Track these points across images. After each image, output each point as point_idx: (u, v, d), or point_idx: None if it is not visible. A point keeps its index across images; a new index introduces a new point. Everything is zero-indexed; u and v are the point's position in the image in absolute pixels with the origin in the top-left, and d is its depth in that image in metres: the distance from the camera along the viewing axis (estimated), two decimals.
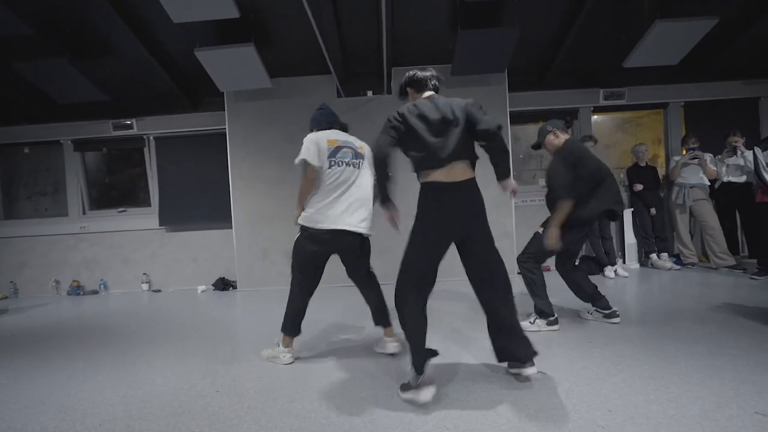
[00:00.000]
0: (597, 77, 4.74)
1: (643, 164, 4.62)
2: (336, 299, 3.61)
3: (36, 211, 5.12)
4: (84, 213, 5.01)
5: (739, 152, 4.07)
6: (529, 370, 1.82)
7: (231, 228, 4.58)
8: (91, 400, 1.88)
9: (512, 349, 1.84)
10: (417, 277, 1.78)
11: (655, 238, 4.55)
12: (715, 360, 1.94)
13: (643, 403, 1.58)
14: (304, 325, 2.28)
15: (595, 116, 5.02)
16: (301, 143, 2.14)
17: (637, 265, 4.59)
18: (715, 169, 4.30)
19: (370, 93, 4.50)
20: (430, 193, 1.77)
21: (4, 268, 4.94)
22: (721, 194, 4.37)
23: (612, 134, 5.11)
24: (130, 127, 4.78)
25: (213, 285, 4.73)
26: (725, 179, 4.25)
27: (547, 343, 2.30)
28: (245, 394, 1.87)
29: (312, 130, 2.29)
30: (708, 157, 4.34)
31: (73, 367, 2.33)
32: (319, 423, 1.57)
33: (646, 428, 1.40)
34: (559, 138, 2.63)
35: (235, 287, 4.65)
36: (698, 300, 3.05)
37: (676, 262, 4.43)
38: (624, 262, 4.62)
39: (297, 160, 2.13)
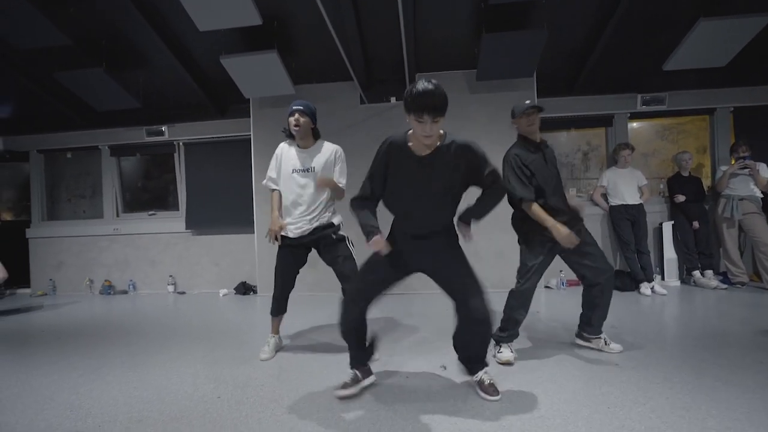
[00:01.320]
0: (634, 81, 4.47)
1: (686, 174, 4.28)
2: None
3: (75, 213, 5.41)
4: (117, 215, 5.24)
5: None
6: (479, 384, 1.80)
7: (253, 233, 4.63)
8: (97, 399, 1.90)
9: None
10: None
11: (699, 254, 4.18)
12: (764, 392, 1.71)
13: None
14: (318, 336, 2.24)
15: (633, 123, 4.72)
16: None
17: (678, 283, 4.24)
18: None
19: (393, 99, 4.45)
20: None
21: (44, 266, 5.23)
22: None
23: (651, 142, 4.78)
24: (162, 133, 4.97)
25: (235, 289, 4.78)
26: None
27: (567, 364, 2.12)
28: (246, 402, 1.82)
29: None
30: (761, 166, 3.97)
31: (86, 365, 2.38)
32: None
33: None
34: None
35: (255, 292, 4.69)
36: (747, 323, 2.75)
37: (722, 281, 4.05)
38: (663, 278, 4.28)
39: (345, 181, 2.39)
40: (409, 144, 1.62)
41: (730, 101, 4.47)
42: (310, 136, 2.38)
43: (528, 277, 2.20)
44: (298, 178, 2.34)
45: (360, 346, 1.91)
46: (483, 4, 3.49)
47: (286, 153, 2.40)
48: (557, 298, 3.84)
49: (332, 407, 1.74)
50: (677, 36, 3.67)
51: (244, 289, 4.71)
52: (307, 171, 2.33)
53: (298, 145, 2.39)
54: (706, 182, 4.49)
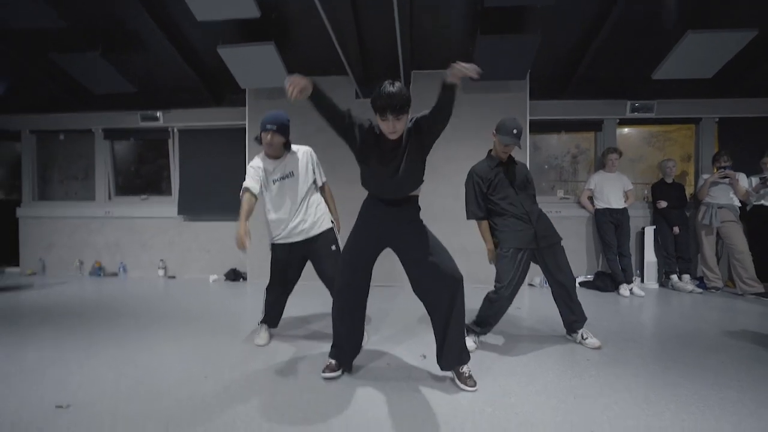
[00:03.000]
0: (624, 88, 4.57)
1: (669, 181, 4.41)
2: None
3: (66, 194, 5.41)
4: (110, 198, 5.25)
5: None
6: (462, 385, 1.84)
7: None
8: (87, 376, 1.96)
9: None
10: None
11: (678, 258, 4.33)
12: (720, 391, 1.82)
13: (632, 428, 1.50)
14: (310, 324, 2.31)
15: (622, 129, 4.84)
16: (308, 145, 2.52)
17: (656, 286, 4.39)
18: (747, 189, 4.06)
19: None
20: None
21: (34, 246, 5.23)
22: (753, 217, 4.13)
23: (638, 148, 4.91)
24: (156, 119, 4.98)
25: (225, 275, 4.84)
26: (756, 201, 4.02)
27: (542, 358, 2.23)
28: (233, 383, 1.90)
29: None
30: (740, 176, 4.11)
31: (77, 343, 2.44)
32: (296, 417, 1.57)
33: None
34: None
35: (245, 279, 4.75)
36: (716, 326, 2.88)
37: (698, 285, 4.20)
38: (642, 281, 4.43)
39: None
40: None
41: (715, 112, 4.60)
42: (281, 149, 2.38)
43: (504, 285, 2.30)
44: (283, 185, 2.36)
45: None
46: (479, 6, 3.55)
47: (262, 165, 2.36)
48: (539, 296, 3.95)
49: (316, 389, 1.82)
50: (666, 46, 3.78)
51: (234, 275, 4.77)
52: (290, 177, 2.37)
53: (269, 156, 2.38)
54: (689, 189, 4.63)
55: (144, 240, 5.09)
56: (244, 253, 2.31)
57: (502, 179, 2.43)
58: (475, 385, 1.83)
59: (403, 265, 1.95)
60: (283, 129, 2.31)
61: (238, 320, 3.02)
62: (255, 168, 2.36)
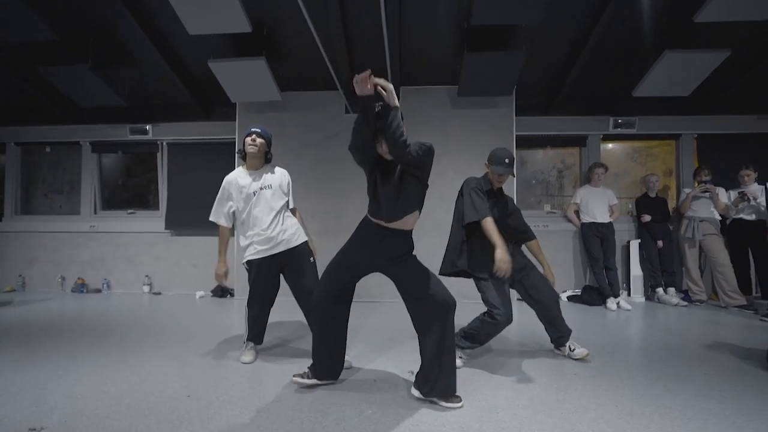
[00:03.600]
0: (607, 105, 4.71)
1: (653, 195, 4.51)
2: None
3: (51, 207, 5.32)
4: (95, 212, 5.17)
5: (750, 199, 3.97)
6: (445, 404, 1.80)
7: (233, 236, 4.63)
8: (65, 395, 1.90)
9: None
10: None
11: (663, 272, 4.39)
12: (703, 401, 1.84)
13: None
14: (294, 342, 2.28)
15: (606, 144, 4.96)
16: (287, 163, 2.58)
17: (643, 299, 4.44)
18: (726, 203, 4.17)
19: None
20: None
21: (15, 261, 5.10)
22: (733, 231, 4.23)
23: (621, 163, 5.03)
24: (145, 132, 4.96)
25: (212, 291, 4.77)
26: (735, 215, 4.12)
27: (529, 372, 2.23)
28: (214, 401, 1.86)
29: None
30: (720, 191, 4.22)
31: (55, 362, 2.37)
32: None
33: None
34: None
35: (232, 295, 4.68)
36: (701, 339, 2.92)
37: (684, 298, 4.27)
38: (629, 294, 4.48)
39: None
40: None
41: (694, 128, 4.75)
42: (262, 159, 2.45)
43: (500, 310, 2.21)
44: (262, 197, 2.37)
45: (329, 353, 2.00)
46: (466, 24, 3.65)
47: (239, 181, 2.39)
48: (526, 310, 3.94)
49: (300, 407, 1.79)
50: (646, 64, 3.91)
51: (221, 291, 4.70)
52: (268, 188, 2.40)
53: (246, 168, 2.43)
54: (671, 203, 4.74)
55: (130, 255, 5.01)
56: (225, 282, 2.48)
57: (491, 207, 2.39)
58: (460, 400, 1.81)
59: (396, 287, 1.94)
60: (266, 135, 2.43)
61: (224, 338, 2.97)
62: (222, 191, 2.43)
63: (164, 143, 5.02)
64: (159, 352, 2.57)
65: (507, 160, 2.31)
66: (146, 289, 4.87)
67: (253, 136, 2.38)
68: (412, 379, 2.02)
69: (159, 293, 4.88)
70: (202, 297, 4.68)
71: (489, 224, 2.19)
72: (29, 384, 2.04)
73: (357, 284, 2.01)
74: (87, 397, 1.89)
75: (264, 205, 2.38)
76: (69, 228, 5.08)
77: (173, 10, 3.19)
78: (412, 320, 1.91)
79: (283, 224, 2.40)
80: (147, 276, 4.90)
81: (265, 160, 2.47)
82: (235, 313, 3.87)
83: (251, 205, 2.37)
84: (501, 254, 2.08)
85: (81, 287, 4.89)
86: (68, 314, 3.74)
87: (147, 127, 4.95)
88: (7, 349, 2.62)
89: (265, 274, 2.39)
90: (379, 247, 1.89)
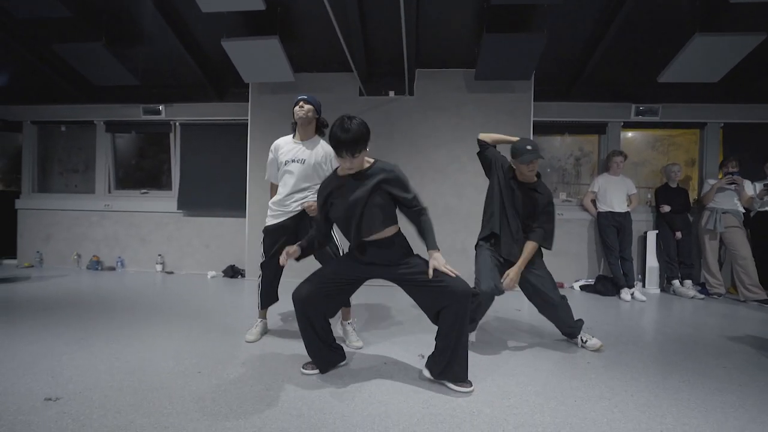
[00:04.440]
0: (629, 91, 4.54)
1: (673, 185, 4.37)
2: None
3: (66, 186, 5.39)
4: (109, 192, 5.22)
5: None
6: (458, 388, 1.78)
7: (245, 217, 4.66)
8: (79, 368, 1.93)
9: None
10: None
11: (680, 263, 4.28)
12: (723, 395, 1.79)
13: (632, 430, 1.46)
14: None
15: (626, 132, 4.80)
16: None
17: (658, 291, 4.34)
18: (751, 196, 4.02)
19: (392, 93, 4.48)
20: None
21: (32, 238, 5.21)
22: (756, 224, 4.09)
23: (642, 152, 4.87)
24: (159, 112, 4.95)
25: (223, 272, 4.81)
26: (760, 208, 3.98)
27: (542, 360, 2.19)
28: (225, 377, 1.87)
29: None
30: (745, 183, 4.07)
31: (70, 336, 2.41)
32: (288, 414, 1.54)
33: None
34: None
35: (243, 275, 4.72)
36: (719, 332, 2.84)
37: (700, 291, 4.16)
38: (644, 285, 4.38)
39: None
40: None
41: (720, 117, 4.56)
42: (312, 127, 2.42)
43: (480, 279, 2.27)
44: (291, 167, 2.38)
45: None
46: (485, 4, 3.52)
47: (282, 147, 2.45)
48: None
49: (310, 386, 1.79)
50: (673, 49, 3.73)
51: (233, 272, 4.74)
52: (300, 162, 2.36)
53: (294, 138, 2.45)
54: (693, 194, 4.59)
55: (143, 234, 5.06)
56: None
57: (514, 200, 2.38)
58: (471, 386, 1.79)
59: (405, 290, 1.89)
60: (313, 101, 2.39)
61: (235, 317, 2.99)
62: (273, 152, 2.49)
63: (177, 123, 5.02)
64: (171, 330, 2.60)
65: (529, 147, 2.27)
66: (159, 268, 4.93)
67: (301, 102, 2.36)
68: (422, 362, 2.00)
69: (171, 272, 4.94)
70: (214, 277, 4.73)
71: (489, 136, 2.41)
72: (45, 356, 2.07)
73: None
74: (101, 370, 1.91)
75: (288, 179, 2.38)
76: (84, 207, 5.15)
77: None
78: (423, 309, 1.86)
79: (302, 201, 2.37)
80: (160, 255, 4.96)
81: (316, 129, 2.44)
82: (246, 294, 3.90)
83: (281, 173, 2.42)
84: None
85: (96, 264, 4.98)
86: (84, 290, 3.81)
87: (160, 107, 4.94)
88: (25, 323, 2.68)
89: (275, 240, 2.40)
90: (363, 258, 1.85)
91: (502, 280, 2.28)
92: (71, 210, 5.16)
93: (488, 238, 2.41)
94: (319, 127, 2.46)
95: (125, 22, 3.87)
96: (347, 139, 1.66)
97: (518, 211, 2.36)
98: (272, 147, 2.50)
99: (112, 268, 5.03)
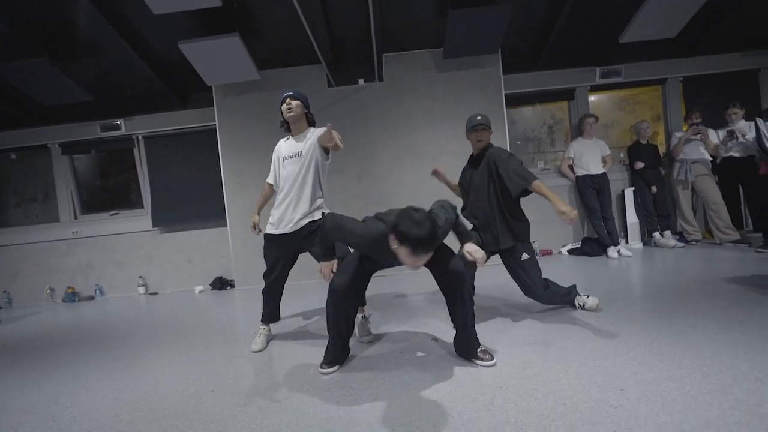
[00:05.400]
0: (593, 55, 4.63)
1: (644, 142, 4.52)
2: None
3: (27, 218, 5.03)
4: (75, 218, 4.92)
5: (739, 135, 4.00)
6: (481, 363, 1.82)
7: (226, 226, 4.50)
8: (81, 407, 1.80)
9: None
10: None
11: (658, 216, 4.46)
12: (727, 333, 1.87)
13: (655, 380, 1.50)
14: (308, 324, 2.23)
15: (593, 96, 4.91)
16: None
17: (641, 245, 4.52)
18: (716, 143, 4.21)
19: (361, 81, 4.40)
20: None
21: None
22: (723, 169, 4.28)
23: (610, 113, 5.00)
24: (118, 127, 4.68)
25: (210, 285, 4.65)
26: (725, 154, 4.17)
27: (551, 328, 2.23)
28: (241, 392, 1.79)
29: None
30: (710, 132, 4.25)
31: (63, 374, 2.25)
32: (318, 418, 1.49)
33: (660, 406, 1.33)
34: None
35: (233, 286, 4.58)
36: (705, 276, 2.98)
37: (679, 240, 4.35)
38: (627, 242, 4.54)
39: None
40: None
41: (679, 71, 4.73)
42: (303, 122, 2.35)
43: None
44: (287, 165, 2.30)
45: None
46: None
47: (281, 146, 2.41)
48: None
49: (331, 385, 1.74)
50: (632, 9, 3.82)
51: (221, 283, 4.59)
52: (296, 157, 2.28)
53: (290, 136, 2.38)
54: (662, 149, 4.77)
55: (119, 258, 4.81)
56: (256, 234, 2.51)
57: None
58: (492, 358, 1.80)
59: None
60: (299, 95, 2.31)
61: (233, 329, 2.89)
62: (274, 154, 2.44)
63: (140, 137, 4.76)
64: (170, 351, 2.48)
65: (479, 117, 2.40)
66: (141, 290, 4.72)
67: (287, 100, 2.28)
68: (436, 346, 1.99)
69: (155, 293, 4.73)
70: (202, 291, 4.57)
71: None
72: (39, 400, 1.93)
73: None
74: (104, 405, 1.80)
75: (286, 177, 2.31)
76: (50, 236, 4.84)
77: None
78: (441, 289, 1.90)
79: (297, 202, 2.27)
80: (141, 277, 4.74)
81: (308, 122, 2.37)
82: (238, 304, 3.78)
83: (280, 173, 2.36)
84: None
85: (72, 296, 4.71)
86: (64, 324, 3.59)
87: (119, 122, 4.67)
88: (5, 367, 2.49)
89: (273, 250, 2.36)
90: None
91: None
92: (36, 242, 4.84)
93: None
94: (310, 121, 2.38)
95: (69, 34, 3.59)
96: (425, 241, 1.46)
97: (474, 185, 2.45)
98: (275, 148, 2.45)
99: (91, 298, 4.77)
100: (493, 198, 2.38)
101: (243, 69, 3.89)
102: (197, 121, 4.64)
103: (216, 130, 4.43)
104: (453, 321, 1.90)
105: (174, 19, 3.31)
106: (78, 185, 4.96)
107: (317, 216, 2.30)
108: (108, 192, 5.07)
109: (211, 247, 4.75)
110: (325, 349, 1.97)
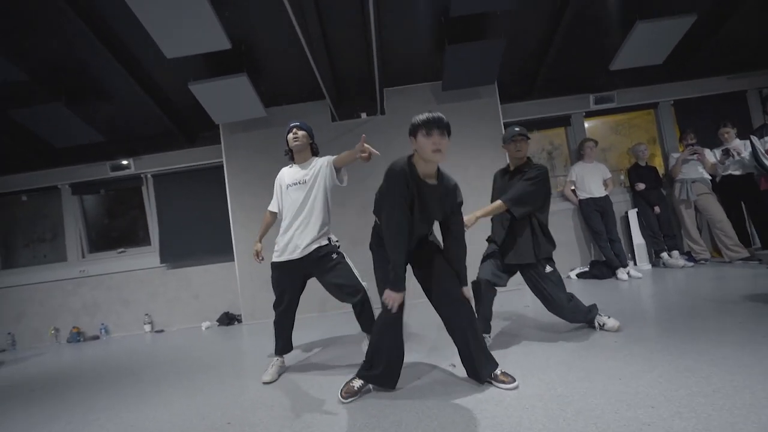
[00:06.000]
0: (586, 83, 4.81)
1: (643, 164, 4.61)
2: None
3: (34, 258, 5.03)
4: (83, 256, 4.93)
5: (735, 154, 4.10)
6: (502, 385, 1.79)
7: (233, 261, 4.49)
8: None
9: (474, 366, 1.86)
10: None
11: (664, 236, 4.47)
12: (753, 347, 1.84)
13: (687, 396, 1.47)
14: (320, 354, 2.19)
15: (589, 121, 5.05)
16: None
17: (649, 266, 4.49)
18: (713, 162, 4.29)
19: (364, 115, 4.54)
20: None
21: (1, 319, 4.79)
22: (724, 188, 4.33)
23: (607, 137, 5.13)
24: (127, 167, 4.78)
25: (217, 320, 4.58)
26: (724, 172, 4.24)
27: (571, 348, 2.19)
28: (258, 423, 1.74)
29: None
30: (705, 151, 4.34)
31: (72, 414, 2.19)
32: None
33: (696, 422, 1.29)
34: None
35: (240, 321, 4.51)
36: (719, 294, 2.95)
37: (688, 260, 4.33)
38: (635, 263, 4.52)
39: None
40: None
41: (669, 95, 4.90)
42: (308, 151, 2.45)
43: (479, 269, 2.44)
44: (292, 192, 2.36)
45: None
46: (443, 19, 3.68)
47: (284, 174, 2.48)
48: None
49: (354, 416, 1.69)
50: (620, 38, 4.02)
51: (228, 319, 4.53)
52: (301, 184, 2.34)
53: (294, 163, 2.46)
54: (660, 170, 4.85)
55: (125, 296, 4.77)
56: (259, 262, 2.55)
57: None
58: (514, 380, 1.76)
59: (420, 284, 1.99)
60: (305, 126, 2.42)
61: (245, 362, 2.84)
62: (276, 182, 2.51)
63: (148, 175, 4.85)
64: (181, 386, 2.42)
65: (517, 128, 2.45)
66: (147, 328, 4.64)
67: (294, 130, 2.39)
68: (455, 372, 1.96)
69: (161, 331, 4.66)
70: (209, 327, 4.49)
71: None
72: None
73: None
74: None
75: (290, 203, 2.36)
76: (57, 276, 4.82)
77: (147, 36, 3.09)
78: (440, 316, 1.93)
79: (305, 228, 2.30)
80: (147, 315, 4.68)
81: (312, 152, 2.46)
82: (246, 339, 3.71)
83: (284, 201, 2.41)
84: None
85: (77, 336, 4.63)
86: (69, 364, 3.51)
87: (129, 162, 4.77)
88: (11, 409, 2.41)
89: (281, 279, 2.37)
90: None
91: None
92: (42, 282, 4.81)
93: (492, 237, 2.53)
94: (314, 151, 2.47)
95: (85, 79, 3.74)
96: (438, 116, 1.66)
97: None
98: (277, 176, 2.52)
99: (96, 337, 4.69)
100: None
101: (250, 107, 4.03)
102: (204, 158, 4.75)
103: (223, 166, 4.52)
104: (461, 347, 1.88)
105: (184, 61, 3.46)
106: (87, 224, 5.00)
107: (324, 242, 2.34)
108: (115, 230, 5.10)
109: (218, 282, 4.72)
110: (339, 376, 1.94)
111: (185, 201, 4.75)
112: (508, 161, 2.59)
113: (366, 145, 2.06)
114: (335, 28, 3.60)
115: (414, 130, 1.71)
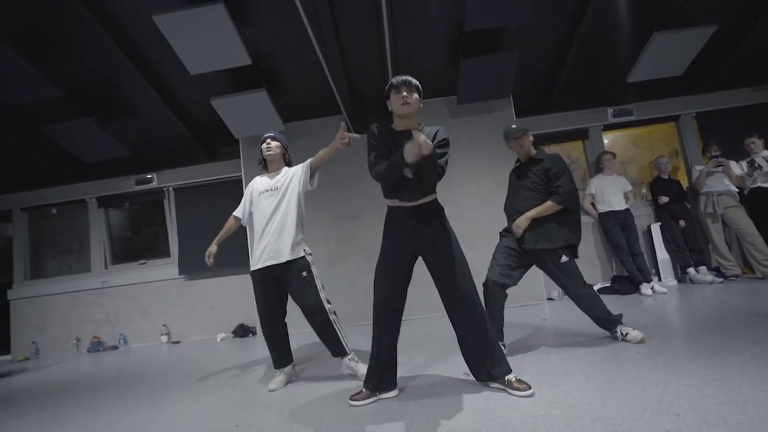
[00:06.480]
0: (603, 95, 4.76)
1: (665, 176, 4.49)
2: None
3: (61, 268, 5.22)
4: (106, 268, 5.07)
5: (761, 166, 3.96)
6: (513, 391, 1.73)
7: (248, 273, 4.53)
8: None
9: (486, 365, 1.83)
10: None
11: (690, 251, 4.29)
12: None
13: (715, 405, 1.38)
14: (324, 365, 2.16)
15: (607, 134, 4.98)
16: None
17: (675, 282, 4.30)
18: (740, 174, 4.14)
19: None
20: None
21: (27, 328, 4.94)
22: (753, 201, 4.15)
23: (626, 151, 5.03)
24: (151, 180, 4.96)
25: (233, 332, 4.60)
26: (752, 185, 4.08)
27: (592, 358, 2.10)
28: (267, 426, 1.72)
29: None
30: (732, 163, 4.20)
31: (86, 415, 2.21)
32: None
33: (725, 430, 1.20)
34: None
35: (254, 333, 4.52)
36: (750, 308, 2.79)
37: (717, 275, 4.13)
38: (660, 279, 4.34)
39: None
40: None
41: (691, 107, 4.80)
42: (281, 161, 2.50)
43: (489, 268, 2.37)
44: (263, 199, 2.39)
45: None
46: (458, 33, 3.75)
47: (256, 182, 2.51)
48: (560, 307, 3.82)
49: (362, 420, 1.65)
50: (636, 50, 3.99)
51: (243, 331, 4.54)
52: (273, 191, 2.38)
53: (267, 172, 2.51)
54: (684, 183, 4.71)
55: (144, 307, 4.87)
56: (210, 264, 2.55)
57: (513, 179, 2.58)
58: (529, 387, 1.69)
59: (430, 273, 1.92)
60: (278, 137, 2.50)
61: (256, 371, 2.82)
62: (247, 190, 2.55)
63: (170, 189, 5.01)
64: (192, 392, 2.42)
65: (513, 126, 2.46)
66: (164, 339, 4.70)
67: (267, 140, 2.47)
68: (469, 379, 1.90)
69: (178, 342, 4.70)
70: (224, 339, 4.51)
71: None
72: None
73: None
74: None
75: (262, 210, 2.38)
76: (80, 286, 4.96)
77: (173, 53, 3.26)
78: (447, 311, 1.90)
79: (280, 234, 2.30)
80: (164, 326, 4.75)
81: (284, 162, 2.51)
82: (260, 350, 3.70)
83: (255, 209, 2.43)
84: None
85: (97, 346, 4.72)
86: (88, 372, 3.57)
87: (152, 176, 4.95)
88: (29, 412, 2.46)
89: (261, 288, 2.34)
90: (416, 222, 1.87)
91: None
92: (66, 292, 4.97)
93: (508, 228, 2.49)
94: (287, 161, 2.53)
95: (114, 95, 3.94)
96: (406, 78, 1.81)
97: (526, 187, 2.40)
98: (249, 184, 2.57)
99: (115, 347, 4.77)
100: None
101: (269, 122, 4.14)
102: (224, 172, 4.89)
103: (242, 180, 4.63)
104: (465, 346, 1.88)
105: (206, 77, 3.61)
106: (111, 236, 5.17)
107: (300, 253, 2.32)
108: (137, 242, 5.25)
109: (234, 294, 4.77)
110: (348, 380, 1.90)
111: (204, 213, 4.86)
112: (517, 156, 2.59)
113: (345, 132, 2.16)
114: (352, 44, 3.70)
115: (387, 92, 1.87)
